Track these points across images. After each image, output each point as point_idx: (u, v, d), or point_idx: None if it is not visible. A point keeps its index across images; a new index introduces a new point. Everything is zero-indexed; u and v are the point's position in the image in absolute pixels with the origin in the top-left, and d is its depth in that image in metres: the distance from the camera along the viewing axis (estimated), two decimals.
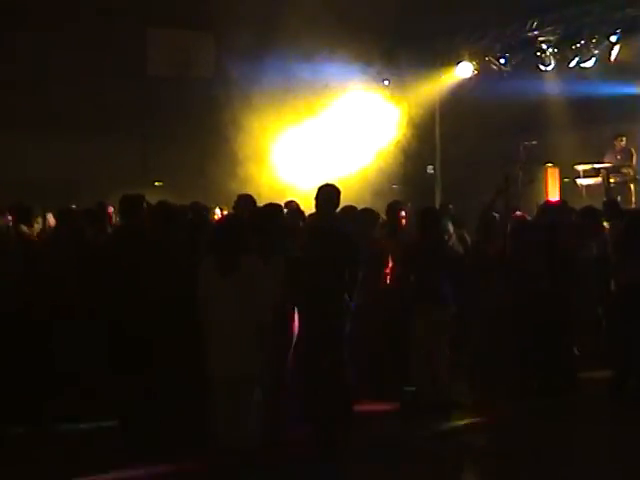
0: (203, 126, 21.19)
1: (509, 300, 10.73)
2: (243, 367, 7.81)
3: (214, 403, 7.99)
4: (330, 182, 9.21)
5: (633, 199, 16.71)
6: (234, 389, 7.83)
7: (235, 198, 10.64)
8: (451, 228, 11.12)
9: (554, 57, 18.36)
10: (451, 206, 13.75)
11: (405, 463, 8.37)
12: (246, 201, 10.32)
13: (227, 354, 7.78)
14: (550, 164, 18.27)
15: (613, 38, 17.07)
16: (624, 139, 17.24)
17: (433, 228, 10.23)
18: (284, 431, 8.62)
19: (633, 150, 17.18)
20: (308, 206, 10.39)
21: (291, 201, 12.13)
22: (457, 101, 20.02)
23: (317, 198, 8.99)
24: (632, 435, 8.97)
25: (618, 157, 17.21)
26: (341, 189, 9.11)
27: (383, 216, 11.94)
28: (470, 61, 19.57)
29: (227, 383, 7.85)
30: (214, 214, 14.17)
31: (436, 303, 9.81)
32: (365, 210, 10.90)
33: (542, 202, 13.68)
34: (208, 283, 7.91)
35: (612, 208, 12.62)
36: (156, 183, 18.70)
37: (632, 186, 16.94)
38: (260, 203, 9.84)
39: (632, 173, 16.99)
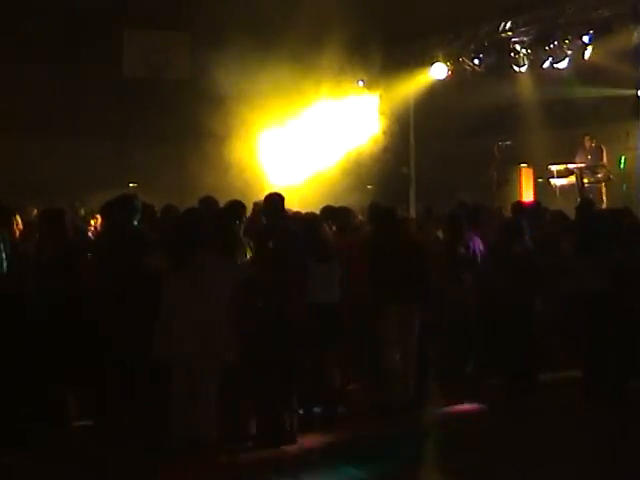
0: (179, 127, 21.20)
1: (479, 298, 10.79)
2: (202, 357, 8.25)
3: (174, 392, 8.37)
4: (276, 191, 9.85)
5: (604, 199, 16.81)
6: (193, 379, 8.29)
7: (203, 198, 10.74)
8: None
9: (527, 58, 18.43)
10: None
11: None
12: (208, 203, 10.45)
13: (186, 345, 8.23)
14: (524, 164, 18.38)
15: (586, 39, 17.14)
16: (592, 138, 17.33)
17: (395, 227, 10.21)
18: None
19: (603, 148, 17.27)
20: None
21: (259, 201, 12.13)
22: (431, 102, 20.08)
23: (264, 205, 9.64)
24: (602, 437, 9.02)
25: (589, 157, 17.30)
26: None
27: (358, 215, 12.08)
28: (444, 62, 19.61)
29: (187, 372, 8.30)
30: None
31: (403, 303, 9.79)
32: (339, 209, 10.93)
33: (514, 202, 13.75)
34: (165, 279, 8.43)
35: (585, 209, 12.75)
36: (130, 184, 18.65)
37: (603, 186, 17.04)
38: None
39: (604, 173, 17.09)
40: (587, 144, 17.36)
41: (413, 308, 9.88)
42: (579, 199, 15.45)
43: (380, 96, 20.02)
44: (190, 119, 20.03)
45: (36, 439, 8.69)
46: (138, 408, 8.80)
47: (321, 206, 11.07)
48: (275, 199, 9.62)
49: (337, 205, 11.43)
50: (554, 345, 11.29)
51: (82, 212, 15.40)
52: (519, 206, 12.91)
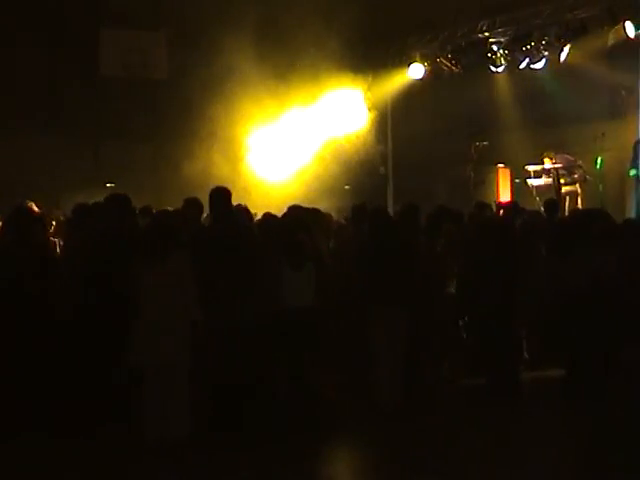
0: (157, 127, 21.13)
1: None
2: (174, 355, 8.34)
3: (146, 391, 8.44)
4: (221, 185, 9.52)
5: (579, 200, 16.89)
6: (165, 377, 8.33)
7: (189, 198, 10.76)
8: None
9: (505, 58, 18.51)
10: None
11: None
12: (193, 204, 10.48)
13: (159, 344, 8.29)
14: (501, 165, 18.44)
15: (563, 40, 17.23)
16: (550, 154, 17.38)
17: (381, 228, 10.21)
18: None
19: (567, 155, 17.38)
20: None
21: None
22: (409, 102, 20.09)
23: (210, 200, 9.34)
24: (578, 435, 9.06)
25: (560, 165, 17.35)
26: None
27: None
28: (422, 62, 19.64)
29: (158, 371, 8.34)
30: None
31: (390, 304, 9.78)
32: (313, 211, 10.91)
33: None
34: (140, 279, 8.48)
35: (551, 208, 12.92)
36: (108, 184, 18.56)
37: (578, 186, 17.11)
38: None
39: (581, 173, 17.16)
40: (550, 162, 17.39)
41: (400, 309, 9.85)
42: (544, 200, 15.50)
43: (357, 96, 19.98)
44: (168, 118, 19.99)
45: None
46: (112, 407, 8.81)
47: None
48: (221, 193, 9.37)
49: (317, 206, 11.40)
50: (534, 344, 11.31)
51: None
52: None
